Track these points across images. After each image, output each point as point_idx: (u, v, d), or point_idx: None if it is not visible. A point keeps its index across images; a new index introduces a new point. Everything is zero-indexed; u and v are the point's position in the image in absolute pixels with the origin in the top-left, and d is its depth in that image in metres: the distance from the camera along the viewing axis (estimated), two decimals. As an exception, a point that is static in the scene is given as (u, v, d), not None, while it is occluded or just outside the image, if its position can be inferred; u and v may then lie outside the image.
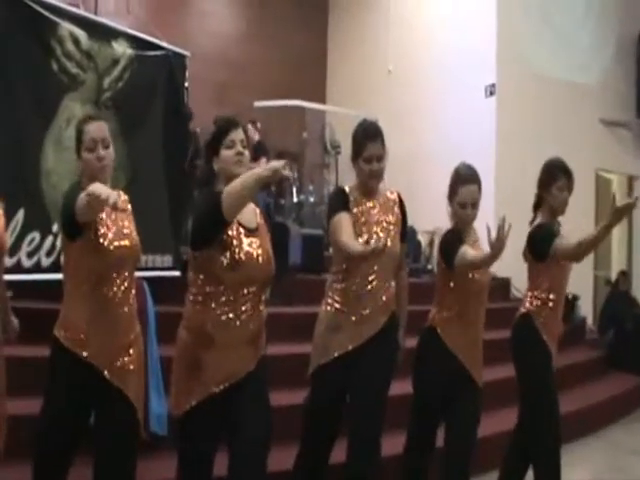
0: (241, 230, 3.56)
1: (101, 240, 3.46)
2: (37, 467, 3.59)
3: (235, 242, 3.51)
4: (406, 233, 4.46)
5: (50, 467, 3.60)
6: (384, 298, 4.18)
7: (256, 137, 10.61)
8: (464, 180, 4.33)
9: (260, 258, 3.58)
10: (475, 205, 4.33)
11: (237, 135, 3.59)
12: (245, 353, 3.60)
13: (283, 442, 3.80)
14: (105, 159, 3.55)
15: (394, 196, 4.40)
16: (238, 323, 3.54)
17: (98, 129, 3.55)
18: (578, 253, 4.38)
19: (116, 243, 3.52)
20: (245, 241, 3.54)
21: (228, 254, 3.47)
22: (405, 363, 4.49)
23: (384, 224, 4.24)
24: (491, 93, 10.63)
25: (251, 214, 3.68)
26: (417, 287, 4.55)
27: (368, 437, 4.09)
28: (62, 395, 3.48)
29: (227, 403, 3.56)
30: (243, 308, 3.55)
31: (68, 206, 3.43)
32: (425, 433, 4.50)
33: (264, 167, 3.14)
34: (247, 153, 3.61)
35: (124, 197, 3.76)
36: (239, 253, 3.49)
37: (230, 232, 3.50)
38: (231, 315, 3.53)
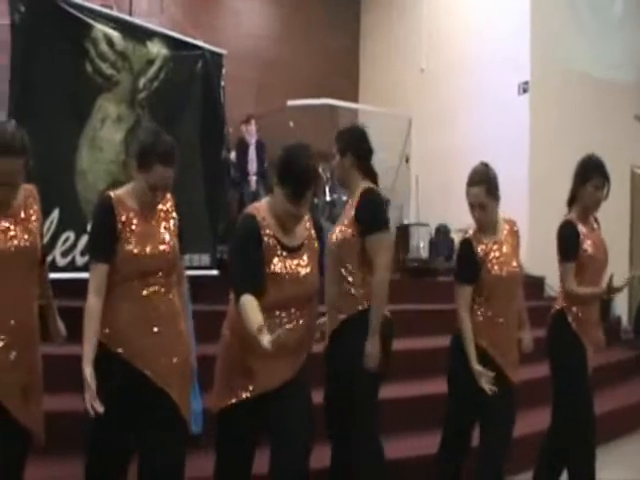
0: (282, 252, 3.57)
1: (131, 249, 3.49)
2: (89, 465, 3.61)
3: (274, 266, 3.52)
4: (364, 226, 4.19)
5: (102, 464, 3.61)
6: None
7: (253, 139, 10.64)
8: (470, 181, 4.32)
9: (302, 277, 3.59)
10: (483, 207, 4.28)
11: (310, 191, 3.56)
12: (288, 361, 3.61)
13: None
14: (159, 202, 3.61)
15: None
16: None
17: (167, 177, 3.51)
18: (574, 297, 4.60)
19: (147, 250, 3.53)
20: (285, 262, 3.55)
21: (267, 275, 3.51)
22: (438, 363, 4.47)
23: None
24: (524, 90, 10.55)
25: (298, 230, 3.68)
26: (451, 286, 4.51)
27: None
28: (106, 394, 3.48)
29: (268, 404, 3.56)
30: (285, 321, 3.56)
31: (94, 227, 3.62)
32: (460, 432, 4.48)
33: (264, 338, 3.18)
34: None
35: (170, 202, 3.75)
36: (278, 275, 3.51)
37: (269, 254, 3.53)
38: (274, 325, 3.51)
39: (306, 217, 3.76)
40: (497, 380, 4.21)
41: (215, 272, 6.72)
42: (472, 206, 4.31)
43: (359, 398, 4.13)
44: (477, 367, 4.20)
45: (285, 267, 3.54)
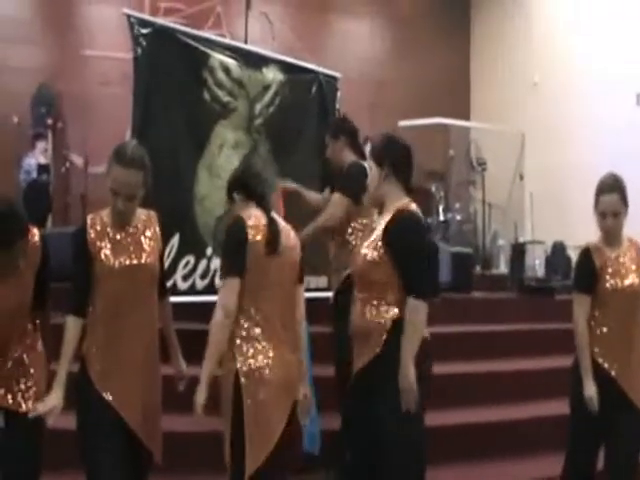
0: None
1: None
2: None
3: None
4: None
5: None
6: None
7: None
8: (602, 189, 4.26)
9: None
10: (616, 215, 4.23)
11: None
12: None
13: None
14: None
15: None
16: None
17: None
18: None
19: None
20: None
21: None
22: (558, 384, 4.40)
23: None
24: (643, 101, 10.30)
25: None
26: (569, 305, 4.45)
27: None
28: None
29: None
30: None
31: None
32: (584, 455, 4.35)
33: None
34: None
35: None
36: None
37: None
38: None
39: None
40: (621, 404, 4.13)
41: (331, 294, 6.75)
42: (604, 215, 4.25)
43: None
44: (589, 385, 4.14)
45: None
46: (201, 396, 3.41)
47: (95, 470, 3.40)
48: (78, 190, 10.18)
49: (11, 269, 3.40)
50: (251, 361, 3.46)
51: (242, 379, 3.43)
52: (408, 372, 3.52)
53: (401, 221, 3.70)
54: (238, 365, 3.45)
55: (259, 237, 3.52)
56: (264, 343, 3.50)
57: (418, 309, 3.60)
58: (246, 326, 3.50)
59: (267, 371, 3.46)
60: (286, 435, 3.50)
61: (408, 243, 3.66)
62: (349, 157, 5.27)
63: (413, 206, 3.75)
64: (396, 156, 3.84)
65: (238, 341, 3.49)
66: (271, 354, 3.50)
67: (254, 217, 3.57)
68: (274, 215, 3.67)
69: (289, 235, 3.72)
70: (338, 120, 5.43)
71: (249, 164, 4.00)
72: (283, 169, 6.30)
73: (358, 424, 3.73)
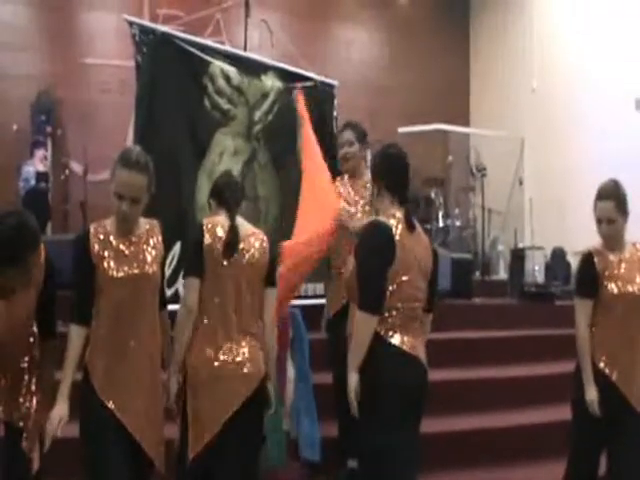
0: None
1: None
2: None
3: None
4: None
5: None
6: None
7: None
8: (600, 195, 4.28)
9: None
10: (611, 221, 4.23)
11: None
12: None
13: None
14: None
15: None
16: None
17: None
18: None
19: None
20: None
21: None
22: (560, 389, 4.40)
23: None
24: (642, 106, 10.32)
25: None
26: (568, 310, 4.46)
27: None
28: None
29: None
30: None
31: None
32: (586, 460, 4.35)
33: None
34: None
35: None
36: None
37: None
38: None
39: None
40: (623, 410, 4.14)
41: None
42: (600, 221, 4.27)
43: None
44: (590, 389, 4.16)
45: None
46: (172, 387, 3.73)
47: (98, 479, 3.42)
48: (77, 198, 10.18)
49: (24, 282, 3.42)
50: (199, 354, 3.71)
51: (188, 369, 3.70)
52: (349, 379, 3.63)
53: (361, 235, 3.86)
54: (189, 357, 3.72)
55: (217, 241, 3.78)
56: (216, 338, 3.74)
57: (359, 321, 3.65)
58: (199, 321, 3.75)
59: (214, 364, 3.70)
60: (231, 426, 3.67)
61: (358, 256, 3.75)
62: (367, 172, 5.17)
63: (386, 219, 3.74)
64: (388, 173, 3.89)
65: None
66: (223, 348, 3.72)
67: (217, 222, 3.84)
68: (239, 221, 3.88)
69: (256, 241, 3.92)
70: (363, 129, 5.48)
71: (225, 175, 4.30)
72: (281, 176, 6.31)
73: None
